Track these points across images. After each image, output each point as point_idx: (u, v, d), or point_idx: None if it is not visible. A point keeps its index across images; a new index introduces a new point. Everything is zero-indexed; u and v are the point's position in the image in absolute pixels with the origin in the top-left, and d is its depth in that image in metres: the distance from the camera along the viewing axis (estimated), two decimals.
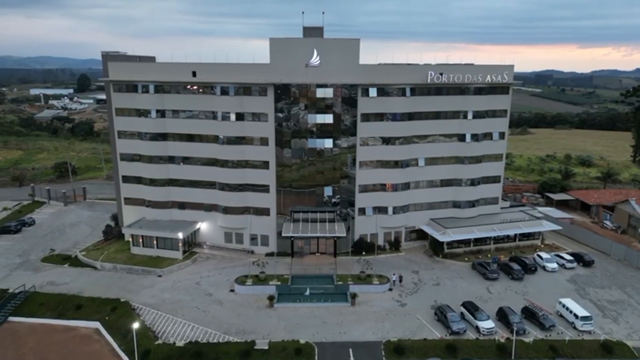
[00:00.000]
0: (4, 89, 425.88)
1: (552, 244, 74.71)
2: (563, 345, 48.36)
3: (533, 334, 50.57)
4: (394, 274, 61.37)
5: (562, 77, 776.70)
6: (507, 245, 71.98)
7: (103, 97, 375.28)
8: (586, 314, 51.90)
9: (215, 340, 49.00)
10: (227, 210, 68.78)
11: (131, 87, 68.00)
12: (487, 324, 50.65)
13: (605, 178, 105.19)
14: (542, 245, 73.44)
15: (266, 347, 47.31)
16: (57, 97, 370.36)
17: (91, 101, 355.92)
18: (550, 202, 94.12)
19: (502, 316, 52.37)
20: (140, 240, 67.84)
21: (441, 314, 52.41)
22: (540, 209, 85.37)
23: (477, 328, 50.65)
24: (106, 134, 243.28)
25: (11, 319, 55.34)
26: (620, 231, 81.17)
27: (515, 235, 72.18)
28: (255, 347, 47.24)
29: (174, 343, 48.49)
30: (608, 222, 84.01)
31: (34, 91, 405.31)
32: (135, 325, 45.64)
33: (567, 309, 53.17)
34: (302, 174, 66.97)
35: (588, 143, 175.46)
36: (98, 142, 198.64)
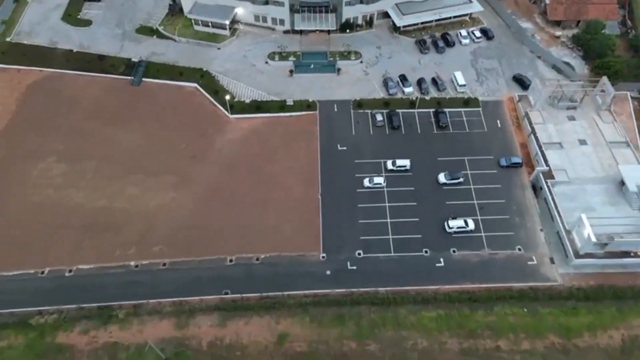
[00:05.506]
0: None
1: (477, 17, 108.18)
2: (444, 101, 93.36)
3: (433, 94, 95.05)
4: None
5: None
6: (445, 22, 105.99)
7: None
8: (463, 82, 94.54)
9: (264, 99, 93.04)
10: (254, 1, 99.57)
11: None
12: (409, 89, 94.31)
13: None
14: (469, 20, 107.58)
15: (292, 103, 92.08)
16: None
17: None
18: None
19: (419, 83, 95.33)
20: (200, 21, 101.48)
21: (385, 82, 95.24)
22: None
23: (403, 92, 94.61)
24: None
25: (144, 80, 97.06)
26: (532, 2, 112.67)
27: None
28: (287, 103, 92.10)
29: (244, 100, 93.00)
30: None
31: None
32: (227, 97, 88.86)
33: (455, 78, 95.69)
34: None
35: None
36: None
